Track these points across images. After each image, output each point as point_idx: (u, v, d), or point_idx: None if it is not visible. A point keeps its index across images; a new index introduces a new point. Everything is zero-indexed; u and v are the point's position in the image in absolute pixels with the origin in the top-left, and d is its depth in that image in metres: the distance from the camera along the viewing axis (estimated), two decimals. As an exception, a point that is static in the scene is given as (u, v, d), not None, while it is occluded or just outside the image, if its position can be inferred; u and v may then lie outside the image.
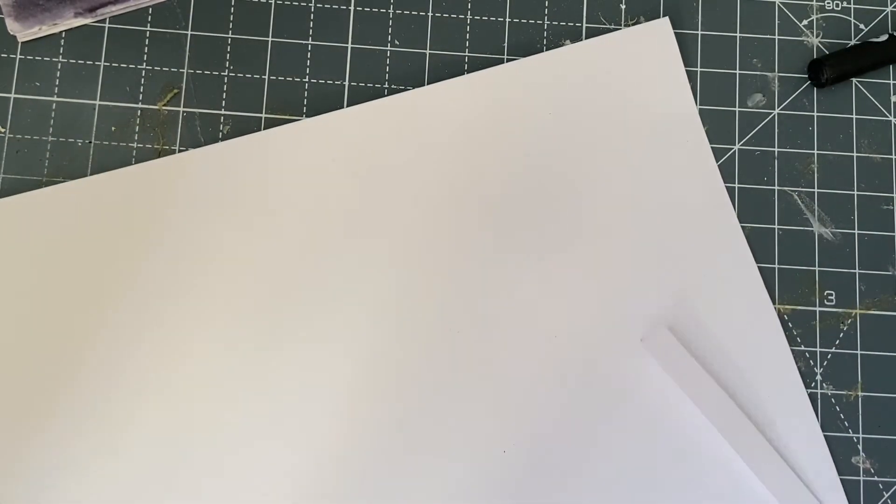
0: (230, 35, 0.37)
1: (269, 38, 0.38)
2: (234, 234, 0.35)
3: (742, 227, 0.37)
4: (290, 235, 0.35)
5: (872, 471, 0.35)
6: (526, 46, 0.38)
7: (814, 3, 0.39)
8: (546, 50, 0.38)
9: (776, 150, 0.38)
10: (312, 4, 0.38)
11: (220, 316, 0.35)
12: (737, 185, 0.37)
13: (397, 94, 0.37)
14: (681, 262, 0.36)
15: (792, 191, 0.38)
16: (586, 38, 0.38)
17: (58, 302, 0.34)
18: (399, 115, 0.36)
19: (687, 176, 0.36)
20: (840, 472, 0.35)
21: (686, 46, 0.38)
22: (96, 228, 0.35)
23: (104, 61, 0.37)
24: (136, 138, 0.36)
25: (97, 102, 0.37)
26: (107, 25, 0.37)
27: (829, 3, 0.39)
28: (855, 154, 0.38)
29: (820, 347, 0.36)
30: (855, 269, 0.37)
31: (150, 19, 0.37)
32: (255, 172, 0.36)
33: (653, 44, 0.37)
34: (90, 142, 0.36)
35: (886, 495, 0.35)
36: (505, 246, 0.36)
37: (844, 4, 0.39)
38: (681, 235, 0.36)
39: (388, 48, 0.38)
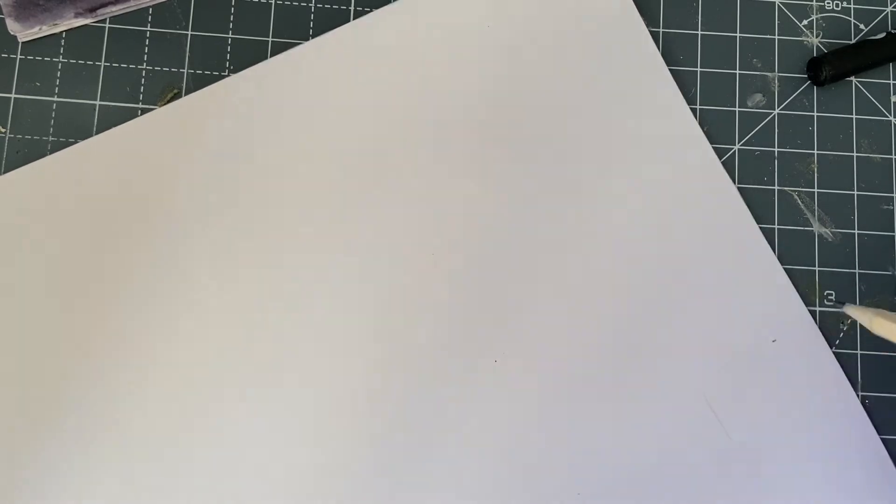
0: (230, 35, 0.37)
1: (269, 38, 0.38)
2: (234, 227, 0.35)
3: (742, 227, 0.37)
4: (290, 227, 0.35)
5: (872, 471, 0.35)
6: (526, 46, 0.38)
7: (814, 3, 0.39)
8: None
9: (776, 150, 0.38)
10: (312, 4, 0.38)
11: (222, 310, 0.34)
12: (737, 186, 0.37)
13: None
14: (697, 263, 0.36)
15: (792, 191, 0.38)
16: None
17: (45, 300, 0.34)
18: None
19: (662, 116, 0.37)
20: (840, 472, 0.35)
21: (686, 46, 0.38)
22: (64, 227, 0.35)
23: (104, 61, 0.37)
24: (136, 138, 0.36)
25: (97, 102, 0.37)
26: (107, 25, 0.37)
27: (829, 3, 0.39)
28: (855, 154, 0.38)
29: (820, 347, 0.36)
30: (855, 269, 0.37)
31: (150, 19, 0.37)
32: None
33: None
34: (90, 142, 0.36)
35: (886, 495, 0.35)
36: (505, 244, 0.36)
37: (844, 4, 0.39)
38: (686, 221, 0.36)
39: (388, 48, 0.38)
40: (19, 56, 0.37)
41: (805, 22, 0.39)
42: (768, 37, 0.39)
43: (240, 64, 0.37)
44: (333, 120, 0.36)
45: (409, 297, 0.35)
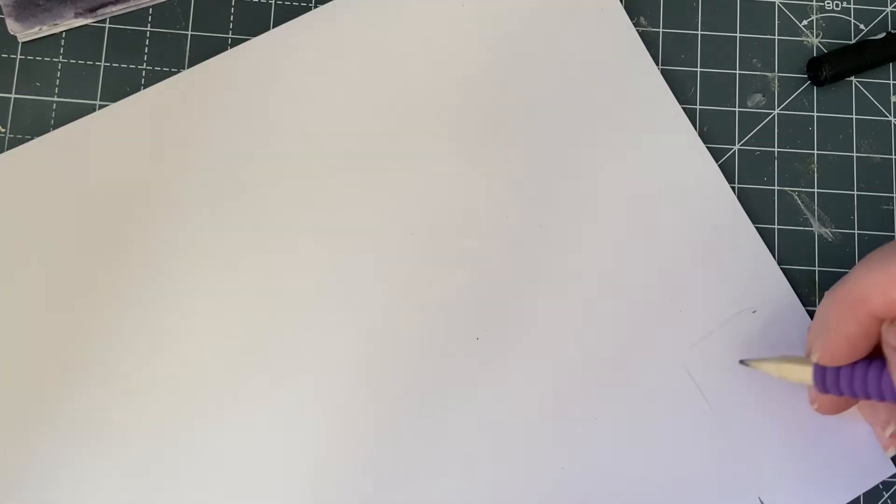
0: (230, 35, 0.37)
1: (269, 38, 0.38)
2: (233, 229, 0.35)
3: (742, 227, 0.37)
4: (284, 219, 0.35)
5: (872, 471, 0.35)
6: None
7: (814, 3, 0.39)
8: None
9: (776, 150, 0.38)
10: (312, 4, 0.38)
11: (221, 307, 0.34)
12: (737, 185, 0.37)
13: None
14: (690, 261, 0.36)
15: (792, 191, 0.38)
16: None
17: (42, 296, 0.34)
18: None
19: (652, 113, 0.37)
20: (840, 473, 0.35)
21: (686, 46, 0.38)
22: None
23: (104, 61, 0.37)
24: (136, 138, 0.36)
25: (97, 102, 0.37)
26: (107, 25, 0.37)
27: (829, 3, 0.39)
28: (855, 154, 0.38)
29: (820, 347, 0.36)
30: (855, 269, 0.37)
31: (150, 19, 0.37)
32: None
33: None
34: (90, 142, 0.36)
35: (886, 495, 0.35)
36: (495, 244, 0.36)
37: (844, 4, 0.39)
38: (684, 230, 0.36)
39: (388, 48, 0.38)
40: (19, 56, 0.37)
41: (805, 22, 0.39)
42: (768, 37, 0.39)
43: (240, 64, 0.37)
44: (324, 116, 0.36)
45: (409, 297, 0.35)
